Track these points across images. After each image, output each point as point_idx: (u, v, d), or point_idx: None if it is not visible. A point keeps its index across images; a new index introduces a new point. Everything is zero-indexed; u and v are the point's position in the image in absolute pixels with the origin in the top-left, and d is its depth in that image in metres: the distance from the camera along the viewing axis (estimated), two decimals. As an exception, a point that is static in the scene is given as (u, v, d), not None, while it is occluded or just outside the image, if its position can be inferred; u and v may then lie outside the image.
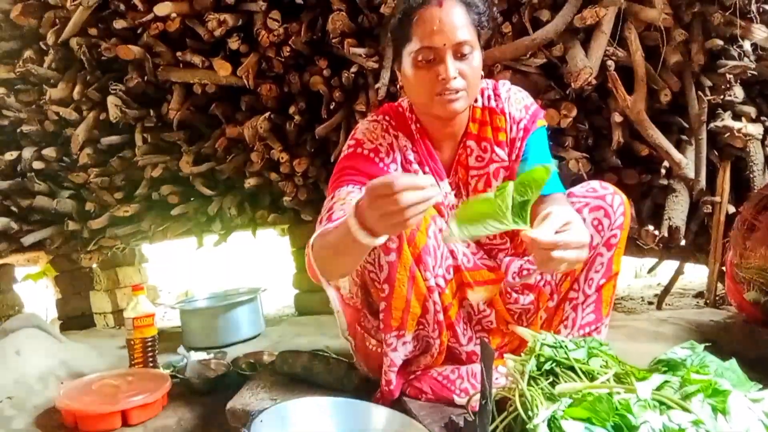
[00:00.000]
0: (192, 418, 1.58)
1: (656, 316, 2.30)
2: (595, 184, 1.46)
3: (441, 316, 1.36)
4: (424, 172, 1.44)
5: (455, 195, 1.49)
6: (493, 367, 1.07)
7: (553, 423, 1.11)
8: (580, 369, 1.27)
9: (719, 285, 2.57)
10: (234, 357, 1.91)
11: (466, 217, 1.14)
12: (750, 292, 2.14)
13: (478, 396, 1.34)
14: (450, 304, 1.39)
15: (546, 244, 1.12)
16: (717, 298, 2.55)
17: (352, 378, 1.53)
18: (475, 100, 1.46)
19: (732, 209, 2.47)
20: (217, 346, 2.18)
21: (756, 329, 2.00)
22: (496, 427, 1.21)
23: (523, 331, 1.47)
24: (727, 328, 2.05)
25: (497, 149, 1.46)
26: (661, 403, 1.09)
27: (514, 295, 1.47)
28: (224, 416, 1.46)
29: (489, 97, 1.48)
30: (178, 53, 2.50)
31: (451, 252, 1.41)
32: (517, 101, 1.48)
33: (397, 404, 1.42)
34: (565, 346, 1.34)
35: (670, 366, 1.23)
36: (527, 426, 1.13)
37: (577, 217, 1.21)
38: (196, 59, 2.47)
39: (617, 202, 1.41)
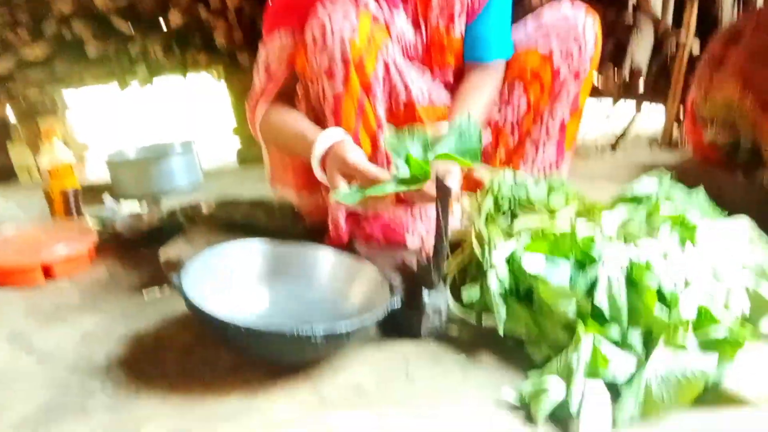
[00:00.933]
0: (124, 271, 1.47)
1: (611, 160, 2.25)
2: (567, 9, 1.30)
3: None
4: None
5: (414, 27, 1.30)
6: (450, 205, 0.96)
7: (511, 260, 1.03)
8: (541, 206, 1.19)
9: (675, 128, 2.53)
10: (169, 209, 1.76)
11: (394, 144, 1.02)
12: (709, 132, 2.09)
13: (432, 237, 1.26)
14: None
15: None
16: (672, 140, 2.51)
17: (297, 225, 1.43)
18: None
19: (696, 50, 2.36)
20: (151, 197, 2.02)
21: (712, 170, 1.98)
22: (450, 267, 1.13)
23: (480, 173, 1.37)
24: (683, 170, 2.02)
25: None
26: (627, 237, 1.03)
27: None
28: (159, 268, 1.35)
29: None
30: None
31: (405, 85, 1.25)
32: None
33: (347, 250, 1.33)
34: (525, 184, 1.24)
35: (635, 200, 1.15)
36: (484, 264, 1.05)
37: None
38: None
39: (590, 32, 1.28)
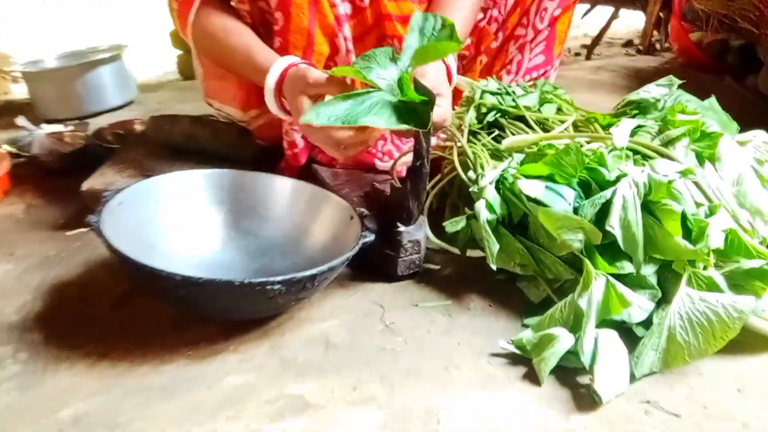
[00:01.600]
0: (44, 203, 1.25)
1: (589, 65, 2.07)
2: None
3: (353, 57, 1.02)
4: None
5: None
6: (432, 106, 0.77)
7: (502, 184, 0.87)
8: (532, 119, 1.02)
9: (655, 31, 2.35)
10: (97, 128, 1.52)
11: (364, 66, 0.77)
12: (698, 32, 1.94)
13: (405, 159, 1.08)
14: (360, 39, 1.05)
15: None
16: (651, 44, 2.34)
17: (246, 145, 1.22)
18: None
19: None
20: (77, 117, 1.75)
21: (697, 74, 1.84)
22: (429, 193, 0.97)
23: (458, 79, 1.18)
24: (667, 73, 1.87)
25: None
26: (637, 152, 0.87)
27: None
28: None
29: None
30: None
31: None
32: None
33: (306, 173, 1.15)
34: (512, 92, 1.06)
35: (641, 108, 1.00)
36: (471, 189, 0.89)
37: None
38: None
39: None
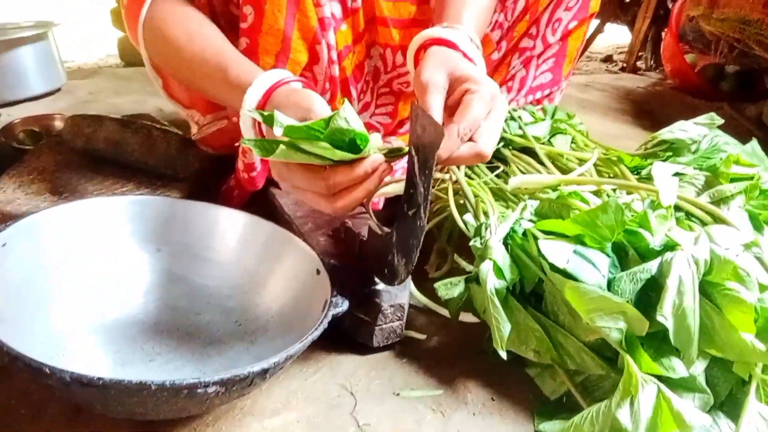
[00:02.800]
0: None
1: (575, 81, 1.92)
2: None
3: (336, 70, 0.82)
4: None
5: None
6: (437, 147, 0.57)
7: (511, 239, 0.69)
8: (543, 153, 0.84)
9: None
10: (8, 122, 1.26)
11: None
12: (689, 54, 1.81)
13: (384, 189, 0.88)
14: (348, 48, 0.84)
15: (450, 145, 0.58)
16: (635, 63, 2.22)
17: (189, 158, 1.00)
18: None
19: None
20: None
21: (691, 99, 1.72)
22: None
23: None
24: (660, 97, 1.74)
25: None
26: (678, 208, 0.70)
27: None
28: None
29: None
30: None
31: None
32: None
33: (259, 200, 0.94)
34: (519, 117, 0.88)
35: (674, 150, 0.83)
36: (472, 244, 0.70)
37: (462, 64, 0.65)
38: None
39: None
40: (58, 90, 1.64)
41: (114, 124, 1.00)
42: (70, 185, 0.93)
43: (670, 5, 1.97)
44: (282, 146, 0.55)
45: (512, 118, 0.88)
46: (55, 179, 0.95)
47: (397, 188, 0.89)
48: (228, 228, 0.76)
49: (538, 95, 1.02)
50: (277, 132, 0.55)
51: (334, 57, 0.80)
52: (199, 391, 0.50)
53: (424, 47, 0.69)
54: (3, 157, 1.12)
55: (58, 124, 1.26)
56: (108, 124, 1.01)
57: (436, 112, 0.60)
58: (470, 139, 0.59)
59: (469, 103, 0.58)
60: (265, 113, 0.59)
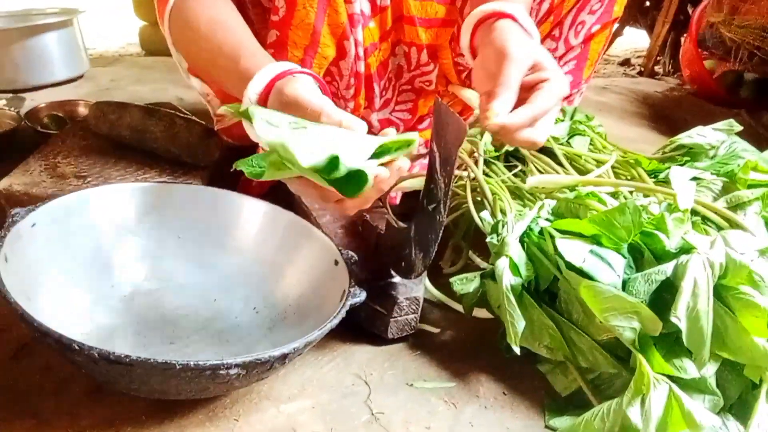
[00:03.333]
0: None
1: (593, 84, 1.92)
2: None
3: (362, 66, 0.83)
4: None
5: None
6: (459, 143, 0.58)
7: (527, 236, 0.70)
8: (561, 154, 0.84)
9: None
10: (32, 107, 1.28)
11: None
12: (707, 60, 1.81)
13: (402, 184, 0.90)
14: (374, 45, 0.85)
15: (520, 125, 0.61)
16: (654, 67, 2.21)
17: (210, 147, 1.02)
18: None
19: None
20: (12, 89, 1.50)
21: (708, 105, 1.71)
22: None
23: (468, 94, 1.00)
24: (677, 102, 1.74)
25: None
26: (697, 214, 0.71)
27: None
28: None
29: None
30: None
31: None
32: None
33: (279, 192, 0.95)
34: (537, 118, 0.88)
35: (692, 154, 0.83)
36: (488, 240, 0.71)
37: (540, 50, 0.67)
38: None
39: None
40: (81, 77, 1.66)
41: (138, 112, 1.02)
42: (94, 170, 0.95)
43: (690, 11, 1.96)
44: (270, 167, 0.53)
45: (531, 118, 0.89)
46: (80, 163, 0.96)
47: (414, 183, 0.90)
48: (249, 217, 0.78)
49: (559, 98, 1.03)
50: (259, 129, 0.53)
51: (361, 53, 0.81)
52: (221, 372, 0.51)
53: (484, 20, 0.69)
54: (28, 140, 1.15)
55: (82, 110, 1.28)
56: (132, 112, 1.02)
57: (514, 86, 0.61)
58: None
59: (546, 93, 0.62)
60: (241, 108, 0.58)
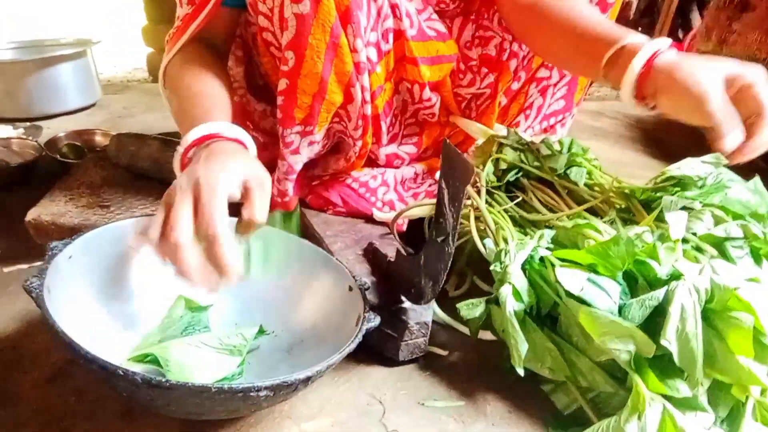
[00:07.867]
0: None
1: (588, 109, 1.99)
2: None
3: (369, 108, 0.88)
4: None
5: None
6: (467, 182, 0.63)
7: (529, 264, 0.75)
8: (560, 184, 0.90)
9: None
10: (51, 137, 1.33)
11: None
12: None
13: (409, 212, 0.95)
14: (380, 88, 0.91)
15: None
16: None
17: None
18: None
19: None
20: (27, 118, 1.55)
21: (697, 129, 1.77)
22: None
23: (469, 125, 1.06)
24: (668, 126, 1.81)
25: None
26: (686, 242, 0.76)
27: (469, 75, 1.02)
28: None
29: None
30: None
31: (393, 6, 0.88)
32: None
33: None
34: (536, 149, 0.94)
35: (681, 185, 0.89)
36: (492, 268, 0.76)
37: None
38: None
39: None
40: (94, 105, 1.72)
41: (156, 143, 1.07)
42: (116, 200, 1.00)
43: (681, 37, 2.03)
44: None
45: (530, 150, 0.95)
46: (102, 193, 1.02)
47: (420, 211, 0.95)
48: (253, 243, 0.83)
49: (552, 121, 1.09)
50: None
51: (368, 98, 0.86)
52: (251, 394, 0.56)
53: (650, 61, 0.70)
54: (48, 169, 1.20)
55: (99, 138, 1.33)
56: (151, 143, 1.08)
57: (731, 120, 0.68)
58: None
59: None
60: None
